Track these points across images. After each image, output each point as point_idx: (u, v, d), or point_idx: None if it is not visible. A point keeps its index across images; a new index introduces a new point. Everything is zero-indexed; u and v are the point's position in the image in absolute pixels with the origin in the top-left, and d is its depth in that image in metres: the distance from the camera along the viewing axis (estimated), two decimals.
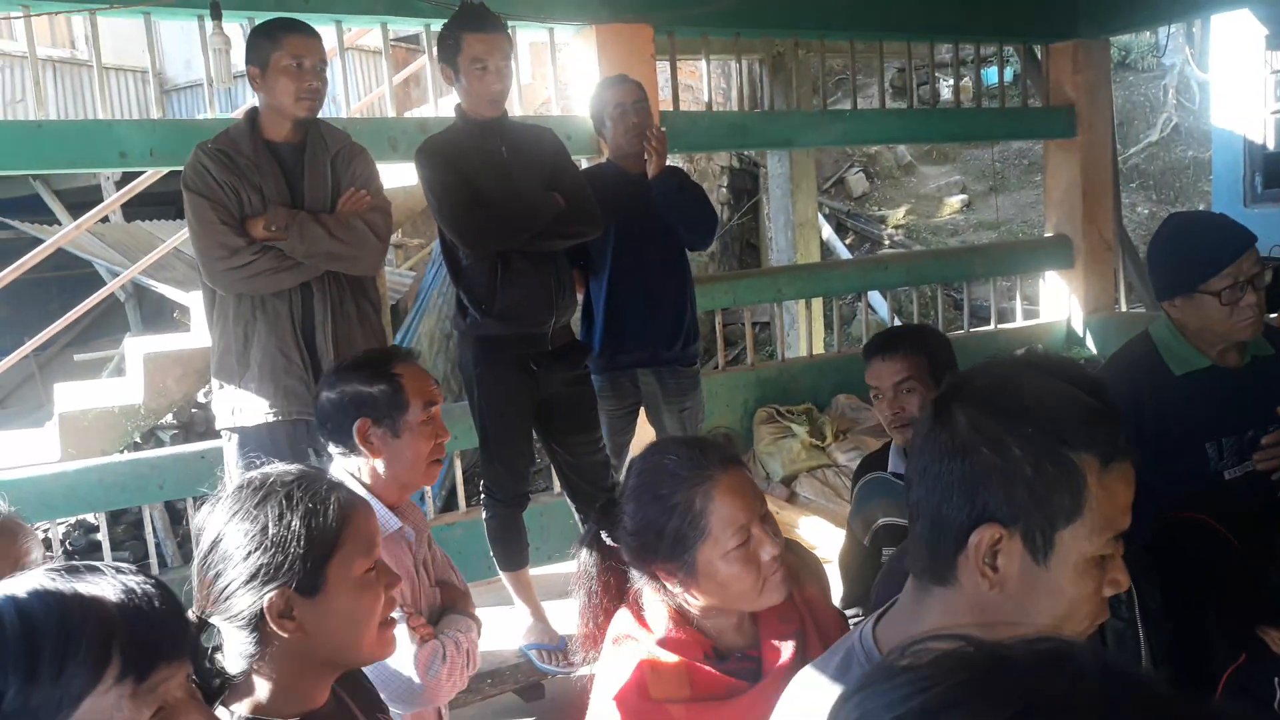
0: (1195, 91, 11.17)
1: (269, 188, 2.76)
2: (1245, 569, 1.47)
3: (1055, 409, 0.93)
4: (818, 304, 6.59)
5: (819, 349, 6.49)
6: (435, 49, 3.09)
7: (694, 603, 1.47)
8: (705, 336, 4.90)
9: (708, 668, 1.44)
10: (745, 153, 9.84)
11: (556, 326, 3.10)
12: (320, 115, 2.90)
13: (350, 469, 1.96)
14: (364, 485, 1.93)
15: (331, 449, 2.00)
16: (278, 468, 1.33)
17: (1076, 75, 5.89)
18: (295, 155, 2.83)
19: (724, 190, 10.34)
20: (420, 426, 1.96)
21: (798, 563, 1.66)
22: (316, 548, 1.25)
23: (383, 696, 1.68)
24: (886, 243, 10.79)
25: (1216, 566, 1.49)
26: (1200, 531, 1.55)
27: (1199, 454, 2.16)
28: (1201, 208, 9.33)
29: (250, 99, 3.12)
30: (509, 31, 3.01)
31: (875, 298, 8.19)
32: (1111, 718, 0.48)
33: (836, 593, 2.29)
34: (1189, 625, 1.57)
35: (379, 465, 1.95)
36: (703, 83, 5.32)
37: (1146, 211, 10.45)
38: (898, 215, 11.24)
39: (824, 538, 3.75)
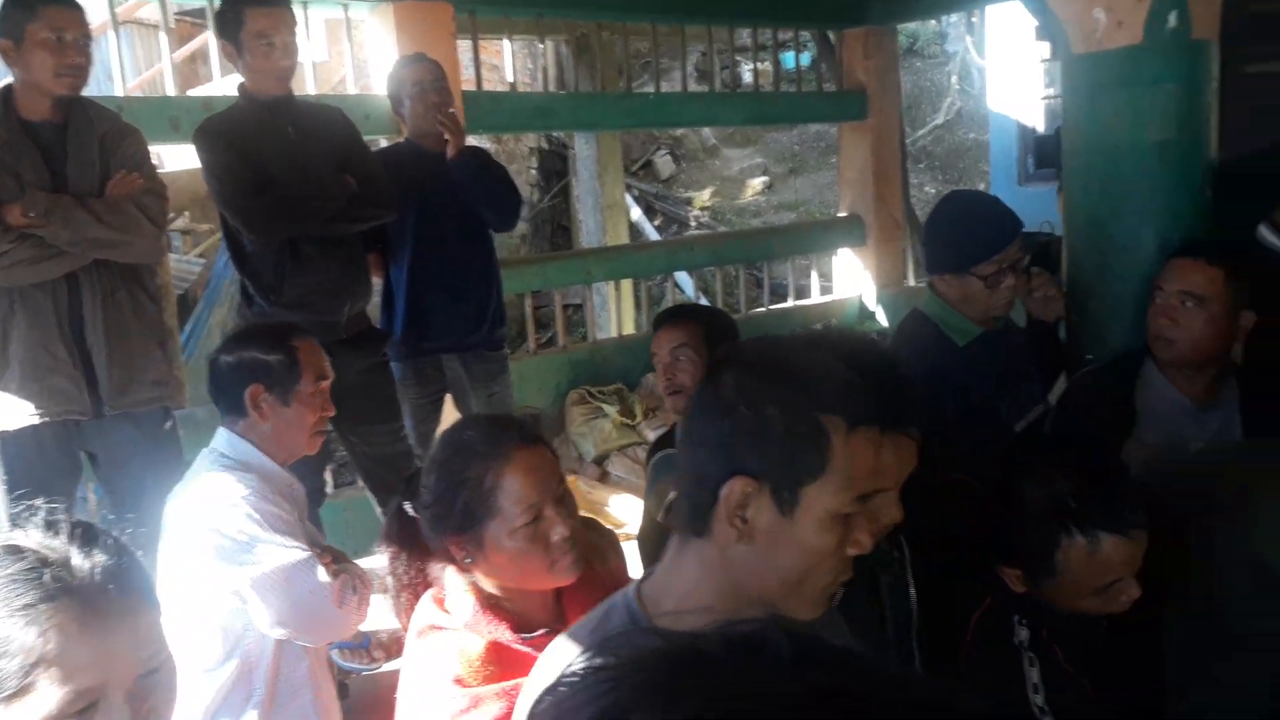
0: (975, 77, 11.89)
1: (26, 171, 2.54)
2: (988, 510, 1.59)
3: (811, 375, 0.99)
4: (627, 285, 6.65)
5: (629, 329, 6.56)
6: (215, 24, 2.92)
7: (486, 581, 1.46)
8: (516, 319, 4.86)
9: (515, 646, 1.43)
10: (554, 134, 9.81)
11: (351, 314, 2.99)
12: (92, 93, 2.69)
13: (236, 429, 2.03)
14: (252, 444, 2.02)
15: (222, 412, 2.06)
16: None
17: (867, 60, 6.17)
18: (56, 136, 2.61)
19: (533, 172, 10.27)
20: (309, 398, 2.05)
21: (600, 540, 1.67)
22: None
23: (293, 628, 1.83)
24: (693, 224, 11.01)
25: (966, 515, 1.59)
26: (958, 486, 1.66)
27: (995, 414, 2.33)
28: (981, 187, 9.97)
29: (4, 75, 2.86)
30: (291, 5, 2.88)
31: (683, 278, 8.35)
32: (794, 709, 0.48)
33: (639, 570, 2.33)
34: (945, 574, 1.68)
35: (265, 429, 2.02)
36: (506, 63, 5.26)
37: (933, 191, 11.07)
38: (703, 197, 11.48)
39: (635, 514, 3.80)
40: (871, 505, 1.00)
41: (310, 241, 2.85)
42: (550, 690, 0.53)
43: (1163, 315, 2.25)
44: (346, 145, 2.99)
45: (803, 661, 0.50)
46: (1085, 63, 2.54)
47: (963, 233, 2.32)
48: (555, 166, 10.36)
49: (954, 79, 12.30)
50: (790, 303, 6.32)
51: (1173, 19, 2.38)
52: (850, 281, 6.43)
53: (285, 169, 2.82)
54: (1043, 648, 1.54)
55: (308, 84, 4.27)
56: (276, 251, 2.83)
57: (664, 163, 11.79)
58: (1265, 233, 2.42)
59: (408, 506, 1.57)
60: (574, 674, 0.52)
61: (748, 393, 0.99)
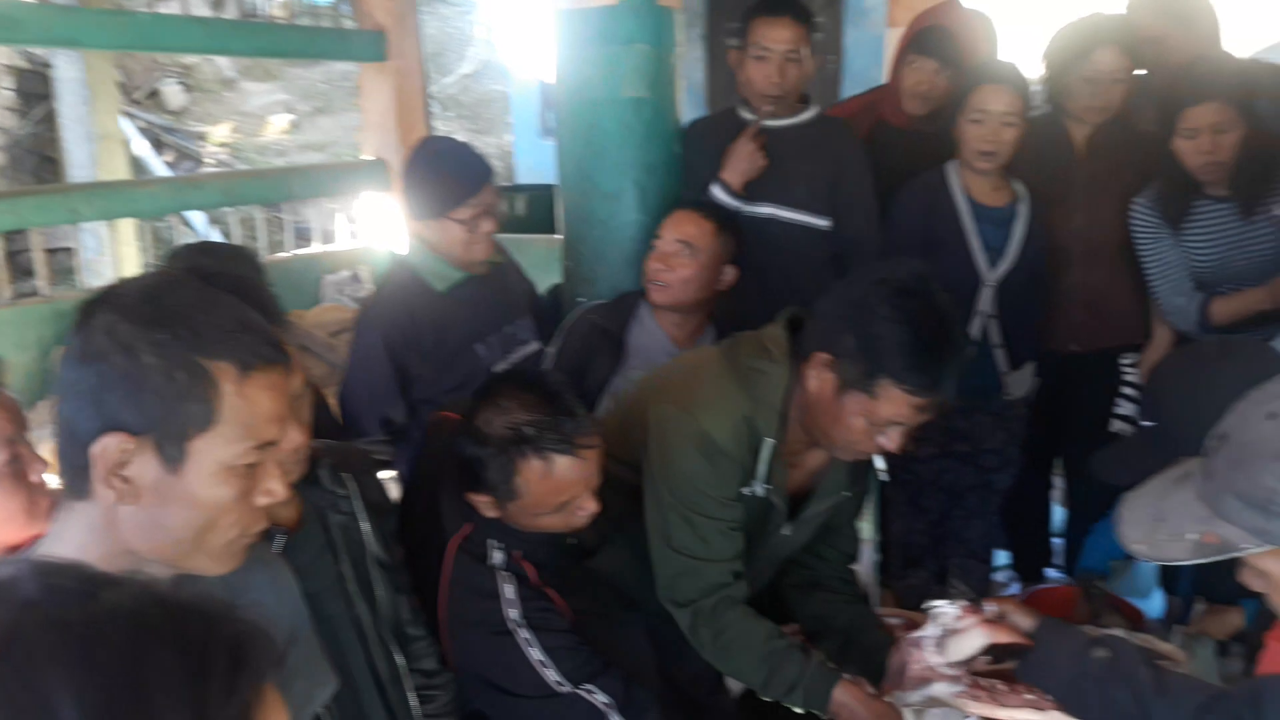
0: (499, 29, 12.15)
1: None
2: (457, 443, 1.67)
3: (197, 317, 0.93)
4: (128, 226, 6.01)
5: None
6: None
7: None
8: None
9: None
10: (32, 50, 8.53)
11: None
12: None
13: None
14: None
15: None
16: None
17: (387, 1, 6.04)
18: None
19: (8, 93, 8.88)
20: None
21: None
22: None
23: None
24: (211, 162, 10.19)
25: (448, 453, 1.67)
26: (456, 425, 1.72)
27: (472, 356, 2.43)
28: (509, 138, 10.26)
29: None
30: None
31: (197, 218, 7.71)
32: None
33: None
34: (430, 508, 1.76)
35: None
36: None
37: (463, 138, 11.20)
38: (220, 133, 10.66)
39: None
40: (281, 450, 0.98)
41: None
42: None
43: (658, 260, 2.49)
44: None
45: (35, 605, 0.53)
46: (572, 18, 2.69)
47: (436, 179, 2.38)
48: (36, 88, 9.03)
49: (479, 29, 12.48)
50: (316, 248, 6.10)
51: None
52: (376, 227, 6.33)
53: None
54: (516, 567, 1.65)
55: None
56: None
57: (173, 93, 10.73)
58: (717, 191, 2.75)
59: None
60: None
61: (121, 338, 0.90)
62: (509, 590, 1.62)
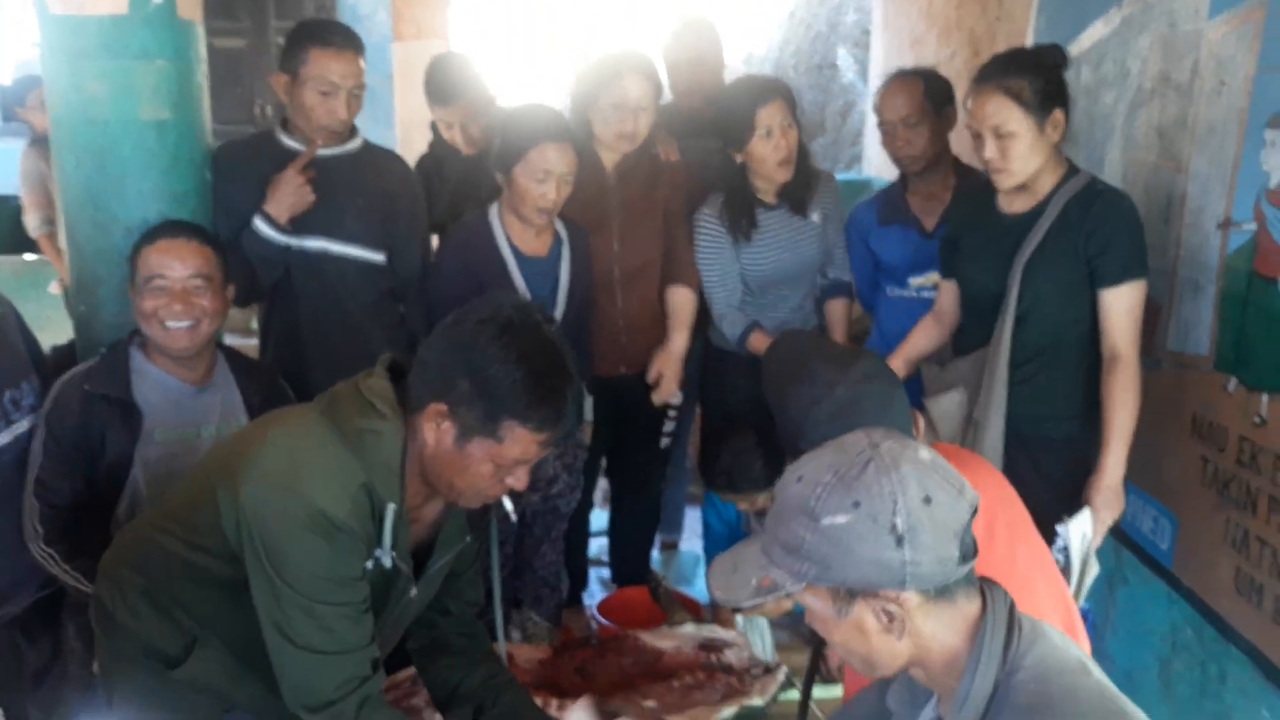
0: None
1: None
2: None
3: None
4: None
5: None
6: None
7: None
8: None
9: None
10: None
11: None
12: None
13: None
14: None
15: None
16: None
17: None
18: None
19: None
20: None
21: None
22: None
23: None
24: None
25: None
26: None
27: None
28: None
29: None
30: None
31: None
32: None
33: None
34: None
35: None
36: None
37: None
38: None
39: None
40: None
41: None
42: None
43: (174, 300, 2.18)
44: None
45: None
46: (67, 27, 2.30)
47: None
48: None
49: None
50: None
51: None
52: None
53: None
54: None
55: None
56: None
57: None
58: (261, 225, 2.54)
59: None
60: None
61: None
62: None
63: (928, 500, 1.16)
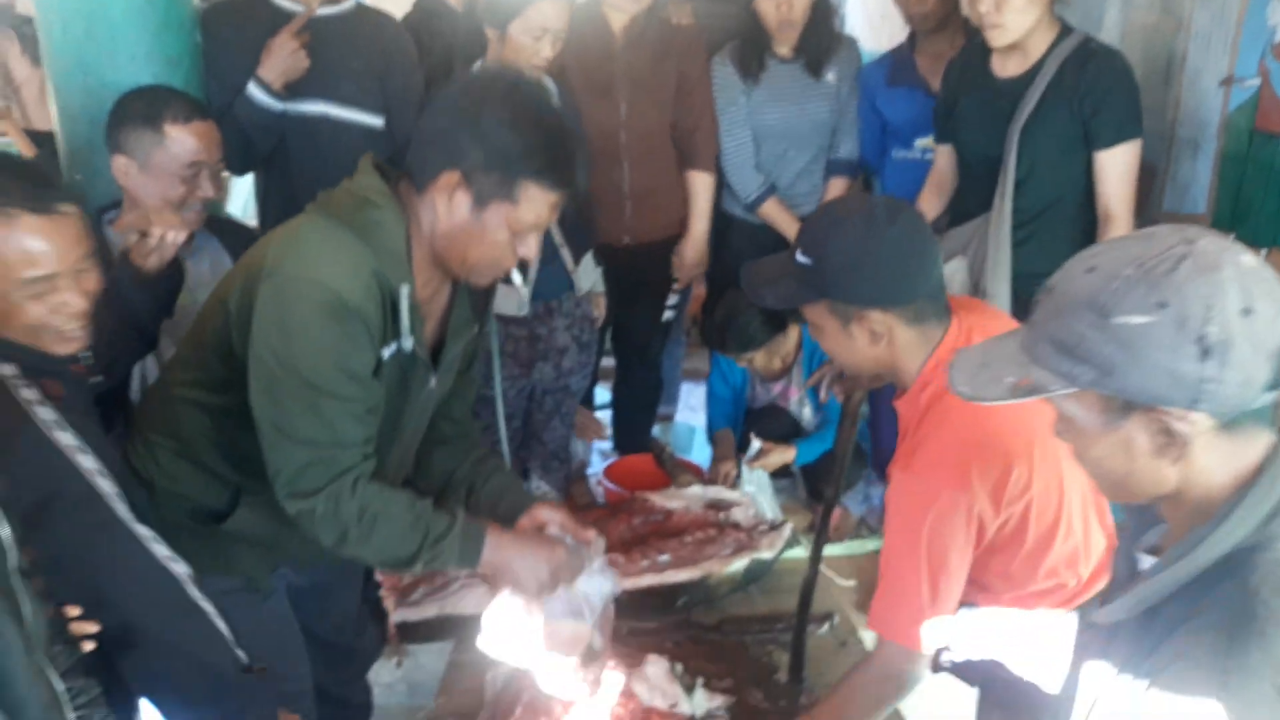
0: None
1: None
2: None
3: None
4: None
5: None
6: None
7: None
8: None
9: None
10: None
11: None
12: None
13: None
14: None
15: None
16: None
17: None
18: None
19: None
20: None
21: None
22: None
23: None
24: None
25: None
26: None
27: None
28: None
29: None
30: None
31: None
32: None
33: None
34: None
35: None
36: None
37: None
38: None
39: None
40: None
41: None
42: None
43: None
44: None
45: None
46: None
47: None
48: None
49: None
50: None
51: None
52: None
53: None
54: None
55: None
56: None
57: None
58: (255, 91, 2.46)
59: None
60: None
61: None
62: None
63: (1247, 312, 0.97)
